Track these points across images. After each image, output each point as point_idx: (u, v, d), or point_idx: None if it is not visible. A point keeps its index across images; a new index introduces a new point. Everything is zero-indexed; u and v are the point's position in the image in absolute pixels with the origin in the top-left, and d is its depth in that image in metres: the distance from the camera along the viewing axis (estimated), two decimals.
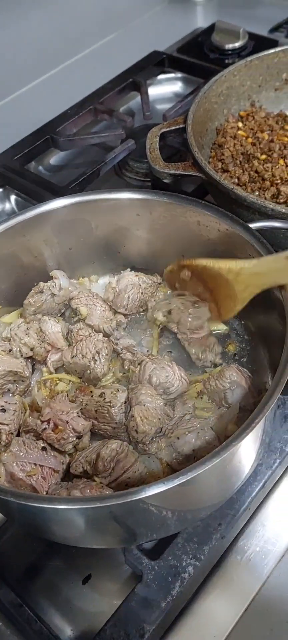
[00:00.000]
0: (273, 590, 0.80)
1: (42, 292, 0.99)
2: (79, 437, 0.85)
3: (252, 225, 0.88)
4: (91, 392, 0.89)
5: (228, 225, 0.89)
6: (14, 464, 0.80)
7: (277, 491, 0.86)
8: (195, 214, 0.93)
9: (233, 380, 0.87)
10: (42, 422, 0.84)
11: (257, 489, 0.84)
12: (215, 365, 0.94)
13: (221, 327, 0.99)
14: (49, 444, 0.84)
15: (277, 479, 0.87)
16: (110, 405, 0.85)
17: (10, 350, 0.94)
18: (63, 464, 0.83)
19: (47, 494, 0.80)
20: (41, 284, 1.00)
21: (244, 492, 0.83)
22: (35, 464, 0.80)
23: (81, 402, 0.87)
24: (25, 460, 0.79)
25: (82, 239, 1.01)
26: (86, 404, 0.87)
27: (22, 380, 0.93)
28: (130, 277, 1.01)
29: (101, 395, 0.87)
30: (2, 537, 0.82)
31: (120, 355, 0.95)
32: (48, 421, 0.84)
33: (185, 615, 0.77)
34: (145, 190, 0.97)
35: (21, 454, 0.80)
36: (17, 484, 0.79)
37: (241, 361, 0.96)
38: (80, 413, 0.86)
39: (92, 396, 0.88)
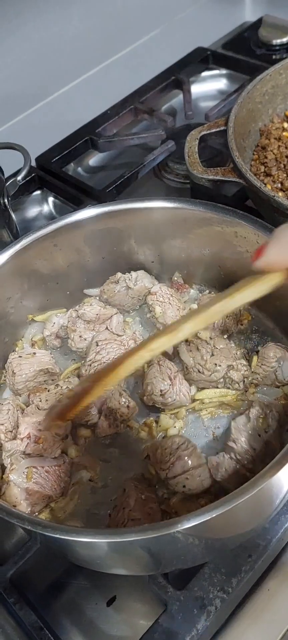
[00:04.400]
0: None
1: (117, 282, 0.98)
2: (64, 439, 0.84)
3: None
4: (46, 389, 0.89)
5: (267, 237, 0.83)
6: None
7: None
8: (233, 224, 0.88)
9: (279, 357, 0.86)
10: (22, 439, 0.83)
11: None
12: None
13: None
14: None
15: None
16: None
17: (34, 354, 0.93)
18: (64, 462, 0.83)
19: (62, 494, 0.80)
20: (118, 274, 0.99)
21: (277, 522, 0.78)
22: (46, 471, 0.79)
23: (39, 401, 0.86)
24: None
25: (115, 247, 0.99)
26: (46, 400, 0.86)
27: (52, 379, 0.92)
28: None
29: (56, 386, 0.87)
30: (26, 555, 0.81)
31: None
32: (28, 436, 0.83)
33: None
34: (178, 199, 0.93)
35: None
36: (33, 498, 0.78)
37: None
38: None
39: (48, 391, 0.88)
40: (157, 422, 0.88)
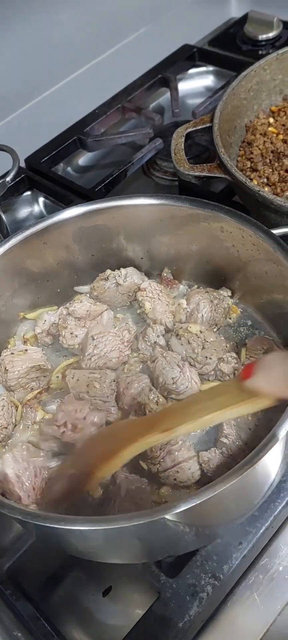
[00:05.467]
0: None
1: (107, 279, 0.99)
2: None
3: (277, 232, 0.85)
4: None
5: (252, 232, 0.86)
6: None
7: None
8: (218, 220, 0.90)
9: (266, 349, 0.87)
10: (59, 426, 0.84)
11: (280, 507, 0.81)
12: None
13: None
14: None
15: None
16: (101, 380, 0.87)
17: (26, 350, 0.94)
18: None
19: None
20: (108, 271, 1.00)
21: (267, 510, 0.80)
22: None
23: (72, 376, 0.88)
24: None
25: (104, 245, 1.00)
26: (77, 379, 0.87)
27: (44, 376, 0.94)
28: (200, 294, 0.96)
29: (92, 372, 0.88)
30: (22, 548, 0.82)
31: (140, 351, 0.95)
32: (65, 424, 0.84)
33: (202, 636, 0.75)
34: (165, 195, 0.94)
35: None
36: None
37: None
38: (91, 407, 0.85)
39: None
40: None
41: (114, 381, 0.88)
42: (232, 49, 1.58)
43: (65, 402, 0.86)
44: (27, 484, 0.77)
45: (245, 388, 0.65)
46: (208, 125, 1.13)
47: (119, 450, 0.70)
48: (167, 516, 0.64)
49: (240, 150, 1.19)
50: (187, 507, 0.61)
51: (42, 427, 0.86)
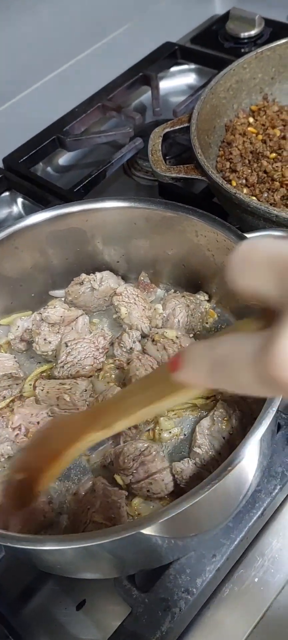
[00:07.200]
0: (273, 625, 0.75)
1: (81, 284, 0.98)
2: None
3: (250, 235, 0.83)
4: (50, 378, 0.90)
5: (225, 236, 0.84)
6: None
7: (277, 519, 0.81)
8: (192, 224, 0.88)
9: None
10: (13, 429, 0.83)
11: (255, 517, 0.78)
12: None
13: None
14: None
15: (277, 506, 0.81)
16: (71, 392, 0.85)
17: None
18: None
19: None
20: (82, 275, 0.98)
21: (241, 521, 0.78)
22: None
23: (42, 389, 0.87)
24: None
25: (79, 248, 0.98)
26: (47, 392, 0.86)
27: (17, 384, 0.92)
28: (176, 299, 0.94)
29: (62, 383, 0.87)
30: None
31: (116, 358, 0.93)
32: (19, 427, 0.84)
33: None
34: (138, 198, 0.92)
35: None
36: None
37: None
38: (50, 413, 0.85)
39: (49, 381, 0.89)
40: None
41: (85, 391, 0.86)
42: (214, 46, 1.56)
43: (23, 405, 0.85)
44: None
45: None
46: (186, 125, 1.10)
47: (62, 451, 0.66)
48: (135, 532, 0.62)
49: (219, 150, 1.17)
50: (154, 524, 0.60)
51: None
